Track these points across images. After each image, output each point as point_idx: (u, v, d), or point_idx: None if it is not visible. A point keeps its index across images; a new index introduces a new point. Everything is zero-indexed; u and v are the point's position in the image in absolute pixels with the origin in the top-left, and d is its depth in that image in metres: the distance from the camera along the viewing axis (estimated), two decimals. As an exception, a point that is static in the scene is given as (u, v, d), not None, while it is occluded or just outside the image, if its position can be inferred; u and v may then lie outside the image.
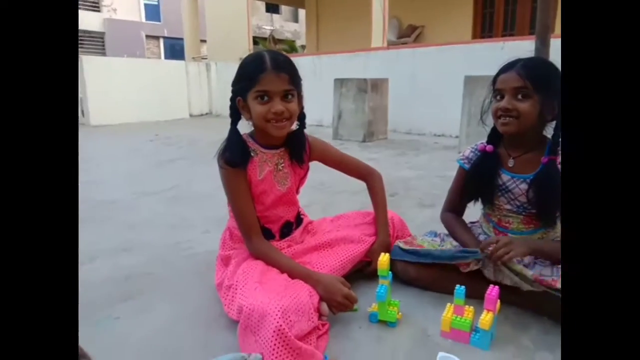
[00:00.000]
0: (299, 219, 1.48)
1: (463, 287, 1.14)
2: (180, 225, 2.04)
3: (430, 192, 2.59)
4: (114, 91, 6.71)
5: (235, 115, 1.27)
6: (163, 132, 5.67)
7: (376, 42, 6.81)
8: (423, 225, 1.88)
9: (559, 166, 1.22)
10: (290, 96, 1.21)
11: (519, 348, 1.10)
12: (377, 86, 4.81)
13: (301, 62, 6.34)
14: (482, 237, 1.39)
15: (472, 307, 1.14)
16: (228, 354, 0.94)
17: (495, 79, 1.27)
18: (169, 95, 7.51)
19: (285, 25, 22.32)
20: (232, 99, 1.27)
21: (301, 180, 1.44)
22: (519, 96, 1.20)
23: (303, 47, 14.33)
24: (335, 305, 1.15)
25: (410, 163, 3.56)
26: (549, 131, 1.28)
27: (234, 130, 1.28)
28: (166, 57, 20.74)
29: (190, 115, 8.02)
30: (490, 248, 1.21)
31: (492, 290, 1.10)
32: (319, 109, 5.46)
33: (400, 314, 1.21)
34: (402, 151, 4.18)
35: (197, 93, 8.17)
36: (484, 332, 1.08)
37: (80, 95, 6.80)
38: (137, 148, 4.43)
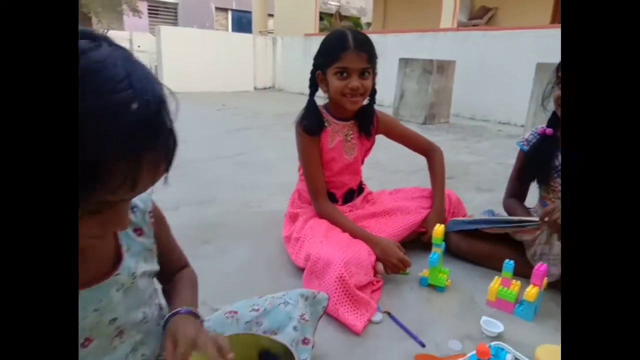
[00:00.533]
0: (360, 188, 1.60)
1: (512, 261, 1.21)
2: (249, 186, 2.24)
3: (488, 177, 2.60)
4: (185, 60, 7.09)
5: (313, 87, 1.40)
6: (229, 103, 5.97)
7: (446, 22, 6.61)
8: (480, 207, 1.92)
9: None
10: (366, 74, 1.32)
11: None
12: (443, 68, 4.73)
13: None
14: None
15: (519, 281, 1.21)
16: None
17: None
18: (236, 67, 7.81)
19: (352, 1, 21.96)
20: (313, 72, 1.39)
21: (367, 151, 1.56)
22: None
23: (368, 24, 14.09)
24: (390, 266, 1.27)
25: (471, 148, 3.53)
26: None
27: (311, 101, 1.42)
28: (233, 30, 21.27)
29: (255, 89, 8.31)
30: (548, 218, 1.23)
31: (540, 267, 1.16)
32: (381, 88, 5.40)
33: (449, 281, 1.31)
34: (463, 136, 4.13)
35: (262, 67, 8.42)
36: (528, 304, 1.15)
37: (155, 63, 7.29)
38: (206, 116, 4.74)
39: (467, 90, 5.24)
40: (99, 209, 0.46)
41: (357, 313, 1.11)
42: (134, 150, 0.43)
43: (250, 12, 10.20)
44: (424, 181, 1.60)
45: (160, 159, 0.47)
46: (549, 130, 1.37)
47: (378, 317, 1.14)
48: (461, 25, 7.67)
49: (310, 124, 1.40)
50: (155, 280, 0.72)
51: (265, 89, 8.59)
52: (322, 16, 13.38)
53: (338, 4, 18.79)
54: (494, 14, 7.81)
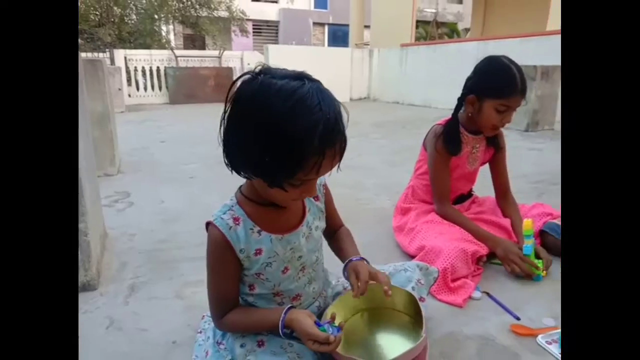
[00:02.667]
0: (470, 193, 1.80)
1: None
2: (357, 187, 2.55)
3: (595, 184, 2.57)
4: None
5: (459, 106, 1.55)
6: (329, 113, 6.39)
7: (553, 24, 6.29)
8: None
9: None
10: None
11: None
12: (547, 73, 4.59)
13: (464, 48, 6.54)
14: None
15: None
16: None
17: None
18: (334, 79, 8.24)
19: (448, 7, 21.47)
20: (465, 94, 1.51)
21: (482, 164, 1.73)
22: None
23: (466, 30, 13.72)
24: (510, 264, 1.41)
25: (577, 156, 3.43)
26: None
27: (455, 122, 1.56)
28: (329, 43, 22.13)
29: (350, 99, 8.71)
30: None
31: None
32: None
33: (545, 272, 1.44)
34: (569, 143, 3.99)
35: (359, 78, 8.79)
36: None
37: (264, 78, 8.06)
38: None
39: (576, 95, 4.97)
40: (298, 184, 0.77)
41: (455, 295, 1.33)
42: (321, 149, 0.72)
43: (345, 25, 10.65)
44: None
45: (336, 153, 0.76)
46: None
47: (477, 294, 1.34)
48: (571, 26, 7.17)
49: (453, 146, 1.54)
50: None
51: (360, 99, 8.94)
52: (418, 24, 13.41)
53: (435, 10, 18.56)
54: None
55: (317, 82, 0.78)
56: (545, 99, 4.63)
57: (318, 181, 0.95)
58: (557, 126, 4.87)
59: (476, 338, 1.15)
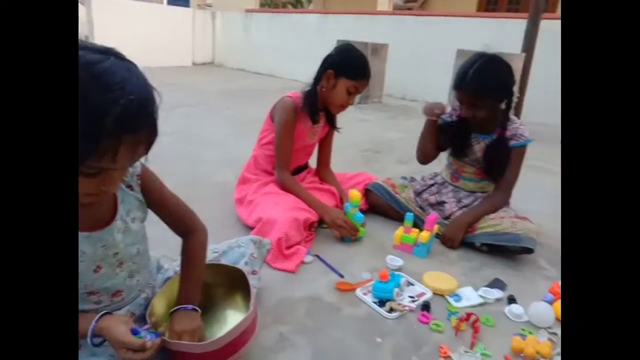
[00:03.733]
0: (306, 166, 1.92)
1: (412, 213, 1.59)
2: (196, 161, 2.45)
3: (410, 152, 2.98)
4: (119, 33, 6.81)
5: (318, 79, 1.65)
6: (168, 79, 5.92)
7: (382, 5, 6.95)
8: (398, 176, 2.29)
9: (507, 138, 1.63)
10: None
11: (447, 258, 1.56)
12: (377, 50, 5.09)
13: (306, 20, 6.69)
14: (438, 187, 1.83)
15: (417, 229, 1.59)
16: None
17: (453, 85, 1.61)
18: (174, 42, 7.63)
19: (293, -24, 21.64)
20: (324, 67, 1.63)
21: (319, 139, 1.87)
22: (474, 106, 1.56)
23: (310, 1, 14.13)
24: (336, 227, 1.57)
25: (399, 126, 3.95)
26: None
27: (314, 93, 1.67)
28: (168, 2, 20.11)
29: (193, 64, 8.19)
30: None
31: (431, 216, 1.55)
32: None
33: (365, 233, 1.64)
34: (393, 114, 4.56)
35: (201, 42, 8.29)
36: (422, 245, 1.53)
37: (86, 34, 6.93)
38: (147, 92, 4.72)
39: (400, 72, 5.67)
40: (93, 173, 0.64)
41: (289, 261, 1.43)
42: (117, 134, 0.62)
43: (186, -16, 9.84)
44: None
45: (139, 142, 0.66)
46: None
47: (309, 259, 1.46)
48: (397, 8, 8.08)
49: (313, 112, 1.67)
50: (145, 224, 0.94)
51: (204, 64, 8.49)
52: (263, -9, 13.21)
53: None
54: (426, -1, 8.30)
55: (129, 62, 0.68)
56: (375, 74, 5.12)
57: (132, 172, 0.86)
58: (385, 99, 5.50)
59: (305, 300, 1.25)
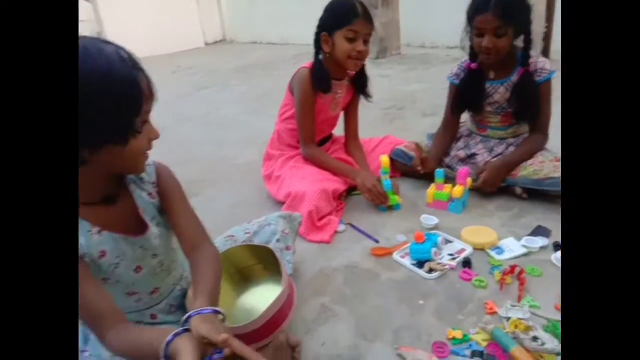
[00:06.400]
0: (330, 136, 1.87)
1: (442, 169, 1.53)
2: (220, 143, 2.46)
3: (433, 102, 2.88)
4: (128, 25, 6.78)
5: (318, 47, 1.56)
6: (183, 63, 5.91)
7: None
8: (424, 132, 2.21)
9: (532, 74, 1.51)
10: (369, 40, 1.51)
11: (484, 210, 1.51)
12: (387, 1, 4.83)
13: None
14: (465, 140, 1.74)
15: (449, 184, 1.53)
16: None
17: (471, 13, 1.46)
18: (183, 25, 7.55)
19: None
20: (317, 33, 1.54)
21: (342, 109, 1.77)
22: (497, 34, 1.43)
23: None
24: (365, 191, 1.52)
25: (419, 77, 3.79)
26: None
27: (319, 62, 1.57)
28: (171, -19, 19.76)
29: (206, 44, 8.11)
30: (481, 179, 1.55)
31: (463, 169, 1.48)
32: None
33: (401, 199, 1.58)
34: (413, 65, 4.36)
35: (209, 20, 8.16)
36: (457, 200, 1.48)
37: (98, 30, 6.97)
38: (162, 80, 4.74)
39: (415, 18, 5.38)
40: (141, 129, 0.70)
41: (323, 232, 1.42)
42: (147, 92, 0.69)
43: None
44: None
45: (147, 87, 0.70)
46: (474, 65, 1.60)
47: (342, 227, 1.45)
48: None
49: (323, 83, 1.56)
50: None
51: (216, 42, 8.39)
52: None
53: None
54: None
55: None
56: (389, 25, 4.91)
57: (147, 179, 0.86)
58: (403, 50, 5.27)
59: (342, 268, 1.25)
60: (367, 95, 1.71)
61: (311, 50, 1.60)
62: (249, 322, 0.86)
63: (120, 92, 0.65)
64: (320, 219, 1.45)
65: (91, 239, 0.74)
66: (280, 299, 0.89)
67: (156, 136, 0.75)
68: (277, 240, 1.13)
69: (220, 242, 1.11)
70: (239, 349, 0.63)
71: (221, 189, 1.84)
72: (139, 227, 0.82)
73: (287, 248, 1.15)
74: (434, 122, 2.43)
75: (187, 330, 0.66)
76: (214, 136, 2.60)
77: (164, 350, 0.63)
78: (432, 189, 1.53)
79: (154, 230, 0.83)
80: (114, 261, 0.78)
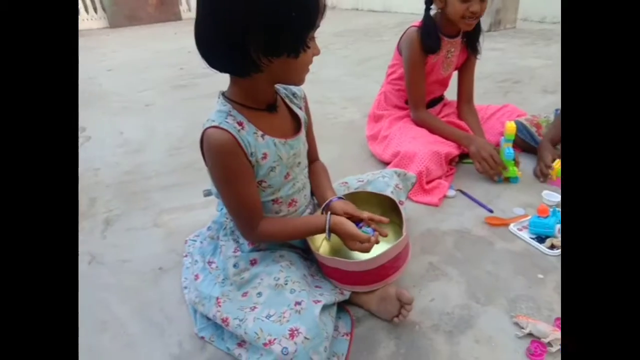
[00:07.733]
0: (441, 97, 1.77)
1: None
2: (324, 102, 2.48)
3: (555, 79, 2.61)
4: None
5: (429, 2, 1.46)
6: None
7: None
8: (544, 109, 2.02)
9: None
10: None
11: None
12: (510, -32, 4.40)
13: None
14: None
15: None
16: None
17: None
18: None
19: None
20: None
21: (455, 69, 1.66)
22: None
23: None
24: (480, 159, 1.43)
25: (539, 52, 3.43)
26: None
27: (429, 18, 1.47)
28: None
29: (307, 9, 8.15)
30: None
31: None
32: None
33: (520, 173, 1.45)
34: (531, 40, 3.97)
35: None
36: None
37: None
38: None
39: (537, -10, 4.85)
40: (309, 44, 0.76)
41: (431, 195, 1.37)
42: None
43: None
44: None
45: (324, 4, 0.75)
46: None
47: (452, 193, 1.39)
48: None
49: (432, 43, 1.47)
50: None
51: (317, 8, 8.39)
52: None
53: None
54: None
55: None
56: (508, -5, 4.49)
57: (299, 94, 0.99)
58: (519, 24, 4.81)
59: (452, 232, 1.21)
60: (475, 51, 1.58)
61: (415, 19, 1.50)
62: (365, 259, 0.87)
63: (308, 4, 0.71)
64: (428, 182, 1.40)
65: (257, 141, 0.83)
66: (399, 244, 0.88)
67: (319, 52, 0.80)
68: (391, 193, 1.11)
69: (335, 187, 1.12)
70: (377, 220, 0.91)
71: (325, 143, 1.86)
72: (293, 133, 0.92)
73: (400, 202, 1.13)
74: (557, 100, 2.21)
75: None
76: (316, 95, 2.63)
77: (328, 222, 0.86)
78: (558, 164, 1.40)
79: (302, 135, 0.94)
80: (272, 164, 0.87)
